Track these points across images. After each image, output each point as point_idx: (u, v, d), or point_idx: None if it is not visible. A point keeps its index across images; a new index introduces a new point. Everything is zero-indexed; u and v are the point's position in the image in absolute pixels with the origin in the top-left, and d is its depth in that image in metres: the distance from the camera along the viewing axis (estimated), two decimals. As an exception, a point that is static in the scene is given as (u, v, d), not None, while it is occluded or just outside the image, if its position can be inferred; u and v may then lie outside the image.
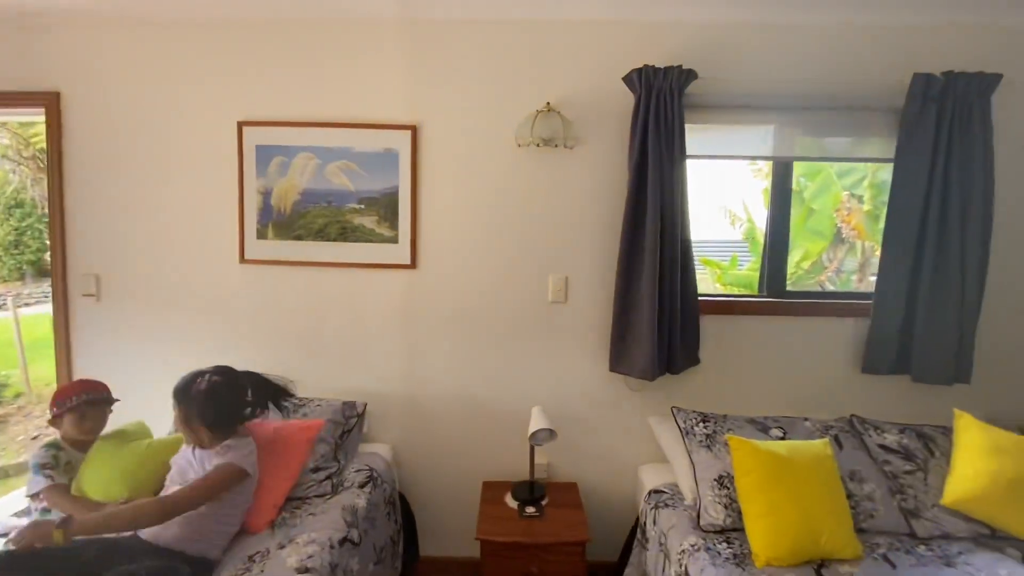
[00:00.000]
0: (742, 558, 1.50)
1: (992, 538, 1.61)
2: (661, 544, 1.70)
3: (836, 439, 1.81)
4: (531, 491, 1.99)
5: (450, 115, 2.13)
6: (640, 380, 2.07)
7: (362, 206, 2.16)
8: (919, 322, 2.00)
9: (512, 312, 2.19)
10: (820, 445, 1.68)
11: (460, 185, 2.16)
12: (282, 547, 1.46)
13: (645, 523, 1.88)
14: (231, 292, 2.22)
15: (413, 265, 2.17)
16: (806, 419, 1.96)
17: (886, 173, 2.14)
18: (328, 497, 1.70)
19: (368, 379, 2.23)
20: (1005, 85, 1.98)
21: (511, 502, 1.97)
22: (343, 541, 1.54)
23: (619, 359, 2.07)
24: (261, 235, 2.19)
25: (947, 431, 1.82)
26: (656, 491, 1.92)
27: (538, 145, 2.07)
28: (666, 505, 1.81)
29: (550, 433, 1.93)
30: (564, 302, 2.19)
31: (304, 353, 2.23)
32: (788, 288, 2.30)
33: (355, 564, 1.58)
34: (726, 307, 2.20)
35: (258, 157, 2.17)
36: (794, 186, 3.81)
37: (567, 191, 2.15)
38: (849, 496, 1.64)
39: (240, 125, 2.15)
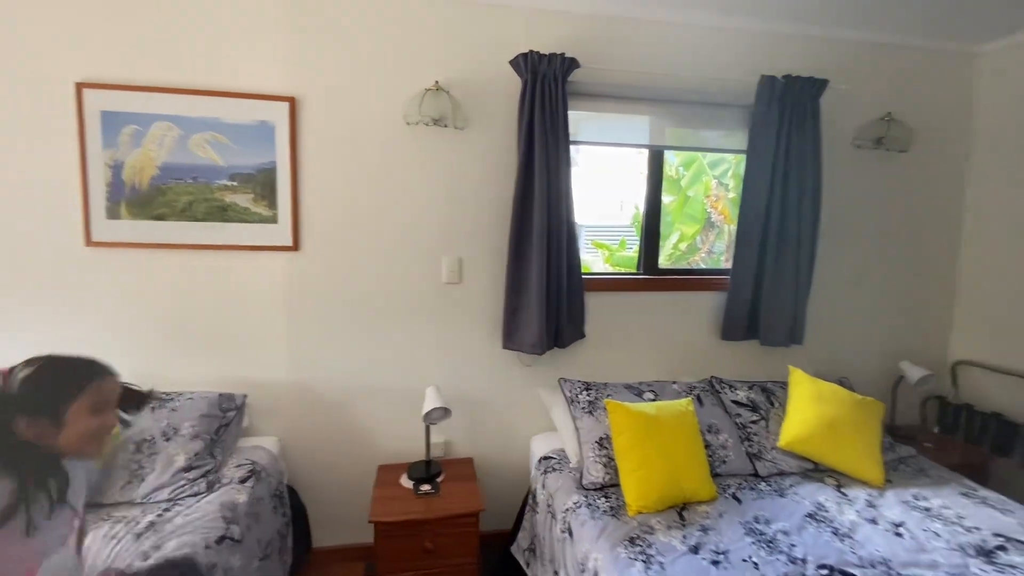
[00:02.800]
0: (617, 509, 1.65)
1: (815, 471, 1.93)
2: (549, 506, 1.82)
3: (698, 398, 2.05)
4: (427, 470, 2.01)
5: (333, 88, 2.03)
6: (531, 355, 2.17)
7: (235, 183, 1.99)
8: (765, 295, 2.31)
9: (405, 294, 2.17)
10: (684, 404, 1.89)
11: (346, 163, 2.07)
12: (146, 558, 1.34)
13: (536, 489, 1.99)
14: (77, 279, 1.95)
15: (295, 247, 2.06)
16: (674, 382, 2.19)
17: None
18: (203, 496, 1.58)
19: (250, 369, 2.09)
20: (830, 90, 2.32)
21: (406, 482, 1.98)
22: (221, 539, 1.45)
23: (511, 336, 2.15)
24: (113, 214, 1.94)
25: (784, 385, 2.14)
26: (545, 458, 2.03)
27: (427, 124, 2.04)
28: (554, 470, 1.94)
29: (444, 412, 1.96)
30: (459, 283, 2.21)
31: (172, 344, 2.02)
32: (668, 267, 2.53)
33: (237, 561, 1.49)
34: (608, 284, 2.37)
35: (104, 125, 1.90)
36: (674, 175, 4.18)
37: (459, 172, 2.16)
38: (707, 446, 1.88)
39: (79, 87, 1.87)
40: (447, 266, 2.18)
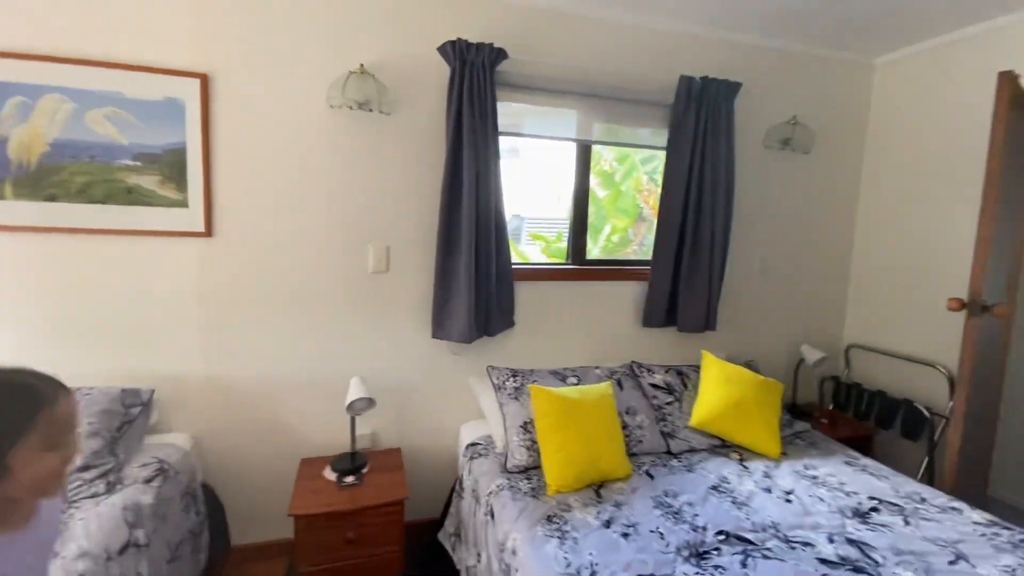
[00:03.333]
0: (538, 491, 1.71)
1: (722, 447, 2.08)
2: (474, 491, 1.85)
3: (619, 382, 2.15)
4: (352, 461, 1.99)
5: (250, 67, 1.93)
6: (460, 344, 2.19)
7: (139, 163, 1.85)
8: (682, 285, 2.44)
9: (330, 283, 2.12)
10: (604, 387, 1.98)
11: (264, 145, 1.98)
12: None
13: (463, 475, 2.02)
14: (-50, 265, 1.76)
15: (208, 232, 1.95)
16: (597, 367, 2.28)
17: (667, 159, 2.55)
18: (103, 497, 1.48)
19: (160, 362, 1.97)
20: (744, 92, 2.47)
21: (330, 475, 1.95)
22: (124, 548, 1.37)
23: (440, 325, 2.15)
24: (-4, 194, 1.76)
25: (698, 368, 2.29)
26: (472, 444, 2.07)
27: (352, 108, 1.99)
28: (480, 455, 1.97)
29: (368, 402, 1.94)
30: (386, 272, 2.18)
31: (72, 336, 1.87)
32: (597, 258, 2.62)
33: (144, 568, 1.42)
34: (538, 274, 2.42)
35: (-17, 94, 1.72)
36: (608, 170, 4.31)
37: (386, 158, 2.12)
38: (625, 427, 1.98)
39: (-50, 50, 1.67)
40: (374, 255, 2.15)
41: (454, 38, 2.00)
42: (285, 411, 2.13)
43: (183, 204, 1.91)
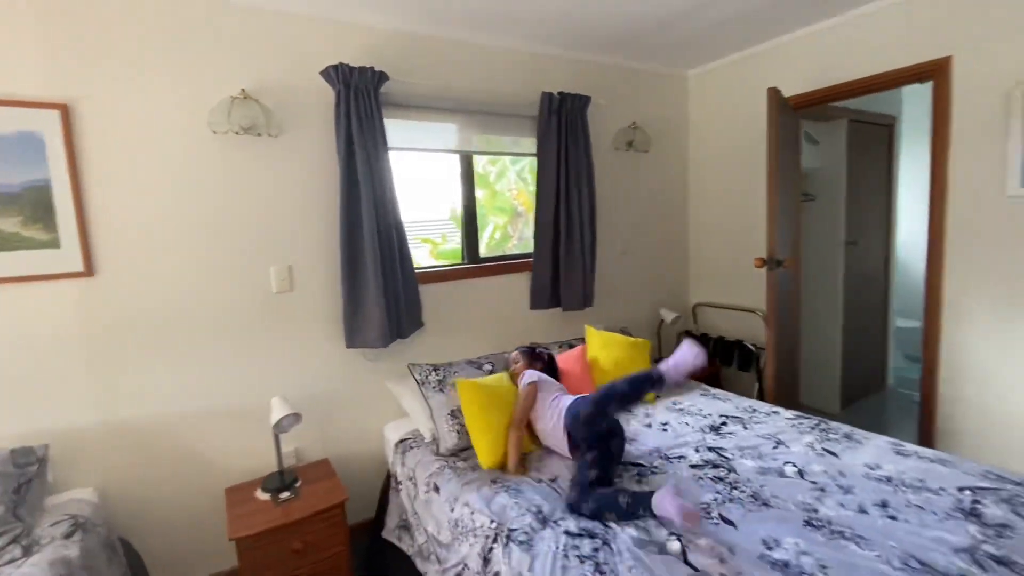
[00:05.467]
0: (475, 466, 1.95)
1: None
2: (411, 479, 2.02)
3: (524, 362, 2.46)
4: (282, 479, 2.03)
5: (116, 94, 1.85)
6: (375, 350, 2.32)
7: (-6, 205, 1.69)
8: (562, 271, 2.83)
9: (233, 309, 2.10)
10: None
11: (144, 175, 1.91)
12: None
13: (396, 471, 2.17)
14: None
15: (88, 272, 1.83)
16: (505, 352, 2.56)
17: (536, 163, 2.91)
18: (23, 560, 1.38)
19: (49, 416, 1.80)
20: (593, 103, 2.92)
21: (262, 495, 1.97)
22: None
23: (354, 335, 2.26)
24: None
25: (583, 339, 2.69)
26: (401, 441, 2.22)
27: (238, 133, 2.01)
28: (411, 448, 2.14)
29: (295, 417, 1.99)
30: (291, 291, 2.22)
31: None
32: (488, 255, 2.90)
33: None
34: (439, 276, 2.63)
35: None
36: (483, 172, 4.61)
37: (279, 180, 2.16)
38: (534, 399, 2.29)
39: None
40: (276, 275, 2.18)
41: (335, 63, 2.11)
42: (200, 445, 2.07)
43: (54, 244, 1.78)
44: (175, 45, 1.93)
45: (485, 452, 1.95)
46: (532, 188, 2.99)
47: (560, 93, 2.75)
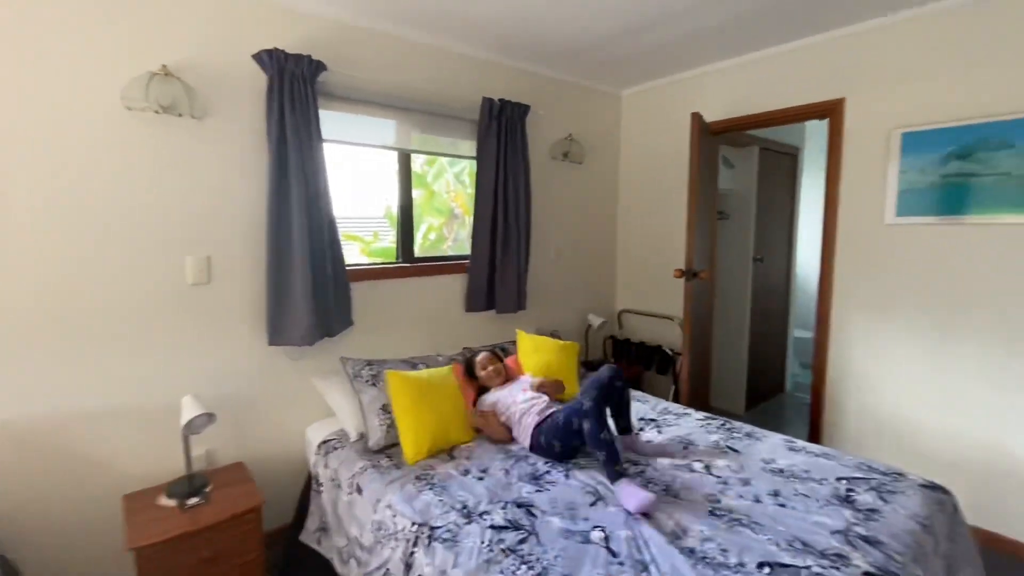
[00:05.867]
0: (400, 463, 1.93)
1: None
2: (333, 480, 1.97)
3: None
4: (190, 484, 1.90)
5: (11, 63, 1.65)
6: (300, 348, 2.24)
7: None
8: (497, 274, 2.88)
9: (140, 301, 1.94)
10: (446, 370, 2.28)
11: (39, 154, 1.72)
12: None
13: (318, 472, 2.10)
14: None
15: (-32, 253, 1.62)
16: (439, 355, 2.57)
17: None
18: None
19: None
20: (532, 112, 3.01)
21: (167, 502, 1.83)
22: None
23: (278, 332, 2.16)
24: None
25: (515, 343, 2.75)
26: (325, 441, 2.16)
27: (157, 112, 1.87)
28: (335, 449, 2.09)
29: (208, 418, 1.87)
30: (208, 283, 2.09)
31: None
32: (418, 255, 2.87)
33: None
34: (372, 274, 2.58)
35: None
36: (420, 171, 4.57)
37: (200, 165, 2.03)
38: (464, 399, 2.31)
39: None
40: (193, 266, 2.04)
41: (270, 47, 2.03)
42: (96, 448, 1.89)
43: (-78, 219, 1.56)
44: (84, 10, 1.76)
45: (412, 445, 1.95)
46: (470, 190, 3.02)
47: (501, 100, 2.81)
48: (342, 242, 2.32)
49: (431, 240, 5.06)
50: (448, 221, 5.43)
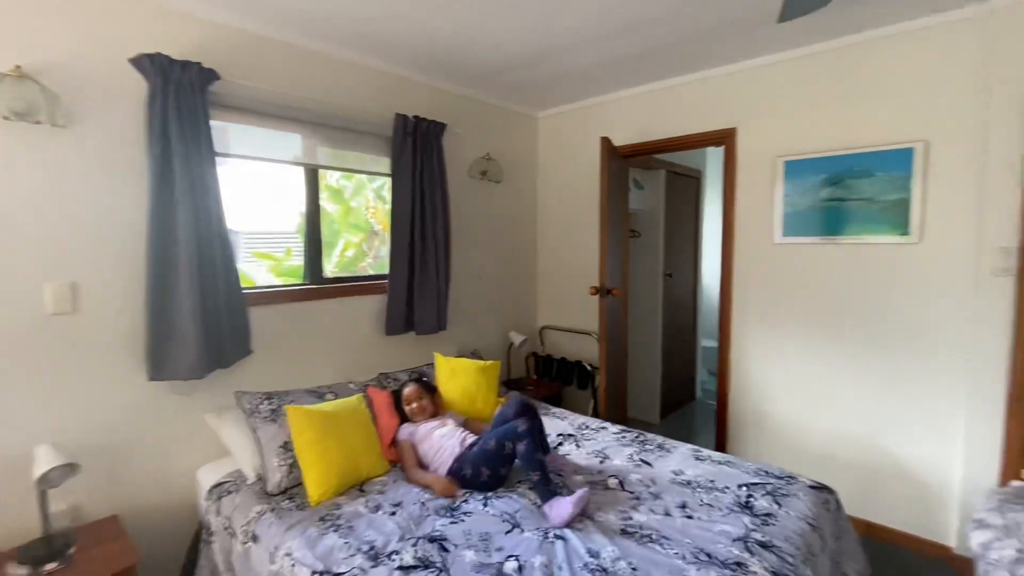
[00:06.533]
0: (303, 505, 1.78)
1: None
2: (227, 528, 1.78)
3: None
4: (48, 545, 1.63)
5: None
6: (189, 381, 2.02)
7: None
8: (416, 294, 2.80)
9: (-15, 334, 1.66)
10: (357, 399, 2.16)
11: None
12: None
13: (209, 521, 1.89)
14: None
15: None
16: (351, 382, 2.44)
17: (391, 183, 2.86)
18: None
19: None
20: (449, 131, 2.98)
21: (18, 570, 1.55)
22: None
23: (161, 365, 1.94)
24: None
25: (433, 366, 2.68)
26: (217, 485, 1.95)
27: (7, 118, 1.63)
28: (229, 492, 1.89)
29: (68, 469, 1.62)
30: (73, 313, 1.83)
31: None
32: (338, 275, 2.73)
33: None
34: (275, 297, 2.40)
35: None
36: (337, 186, 4.38)
37: (64, 179, 1.79)
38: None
39: None
40: (53, 294, 1.78)
41: (152, 51, 1.85)
42: (-83, 514, 1.57)
43: None
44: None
45: (316, 484, 1.82)
46: (389, 207, 2.92)
47: (416, 117, 2.76)
48: (248, 261, 2.14)
49: (348, 258, 4.86)
50: (368, 238, 5.25)
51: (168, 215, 1.91)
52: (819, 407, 2.63)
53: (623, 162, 3.22)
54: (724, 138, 2.85)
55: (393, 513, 1.72)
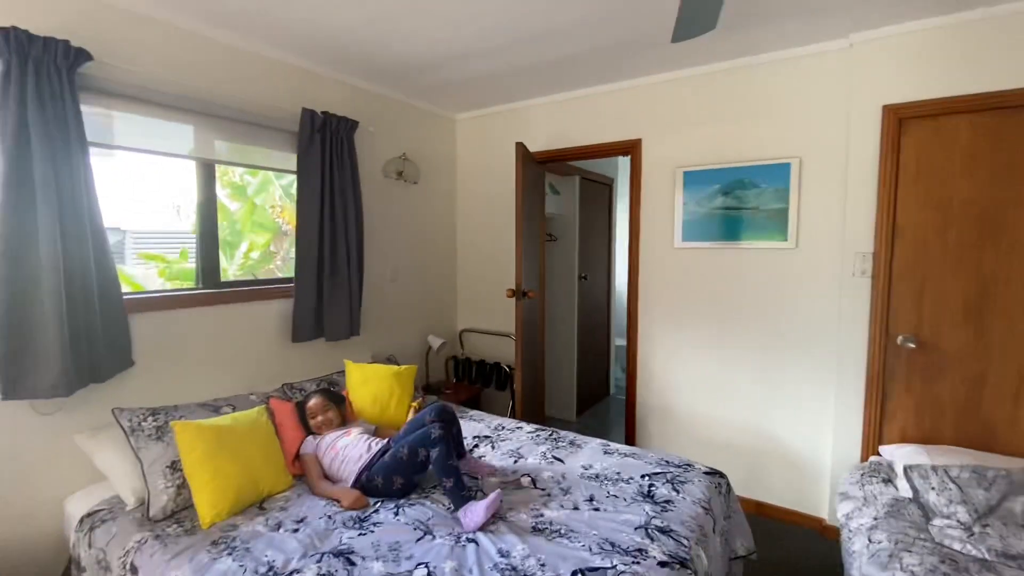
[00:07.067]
0: (194, 528, 1.64)
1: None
2: (100, 561, 1.59)
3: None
4: None
5: None
6: (54, 399, 1.78)
7: None
8: (326, 298, 2.68)
9: None
10: (257, 411, 2.02)
11: None
12: None
13: (79, 555, 1.68)
14: None
15: None
16: (251, 394, 2.28)
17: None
18: None
19: None
20: (362, 129, 2.89)
21: None
22: None
23: (17, 382, 1.69)
24: None
25: (343, 373, 2.58)
26: (90, 514, 1.74)
27: None
28: (104, 521, 1.69)
29: None
30: (-100, 323, 1.56)
31: None
32: (241, 278, 2.53)
33: None
34: (164, 303, 2.19)
35: None
36: (240, 182, 4.08)
37: None
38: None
39: None
40: None
41: (6, 25, 1.62)
42: None
43: None
44: None
45: (208, 505, 1.68)
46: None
47: (324, 112, 2.64)
48: (135, 263, 1.92)
49: (254, 259, 4.55)
50: (276, 238, 4.94)
51: (25, 210, 1.67)
52: (716, 398, 2.85)
53: (539, 167, 3.30)
54: (631, 148, 3.02)
55: (296, 530, 1.63)
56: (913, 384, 2.30)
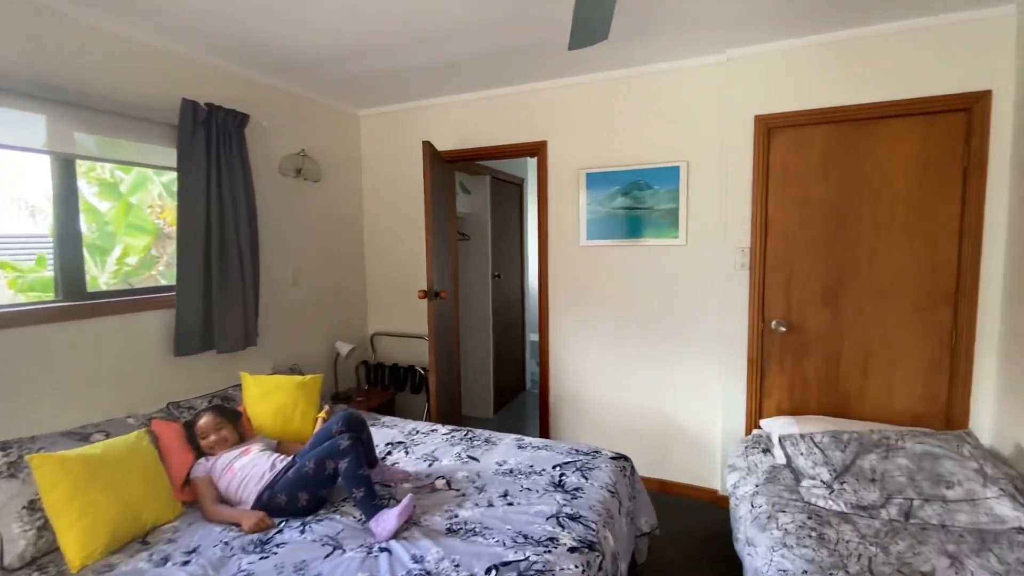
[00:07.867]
0: (61, 572, 1.44)
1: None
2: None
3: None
4: None
5: None
6: None
7: None
8: (215, 305, 2.46)
9: None
10: (137, 436, 1.82)
11: None
12: None
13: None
14: None
15: None
16: (129, 417, 2.05)
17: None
18: None
19: None
20: (254, 123, 2.69)
21: None
22: None
23: None
24: None
25: (240, 387, 2.40)
26: (-81, 573, 1.47)
27: None
28: (-62, 581, 1.44)
29: None
30: None
31: None
32: (115, 286, 2.24)
33: None
34: (14, 318, 1.89)
35: None
36: (111, 179, 3.61)
37: None
38: (169, 465, 1.88)
39: None
40: None
41: None
42: None
43: None
44: None
45: (77, 546, 1.49)
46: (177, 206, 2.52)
47: (209, 104, 2.43)
48: None
49: (131, 266, 4.07)
50: (158, 241, 4.45)
51: None
52: (621, 387, 3.02)
53: (448, 166, 3.28)
54: (537, 150, 3.10)
55: (187, 562, 1.49)
56: (786, 363, 2.60)
